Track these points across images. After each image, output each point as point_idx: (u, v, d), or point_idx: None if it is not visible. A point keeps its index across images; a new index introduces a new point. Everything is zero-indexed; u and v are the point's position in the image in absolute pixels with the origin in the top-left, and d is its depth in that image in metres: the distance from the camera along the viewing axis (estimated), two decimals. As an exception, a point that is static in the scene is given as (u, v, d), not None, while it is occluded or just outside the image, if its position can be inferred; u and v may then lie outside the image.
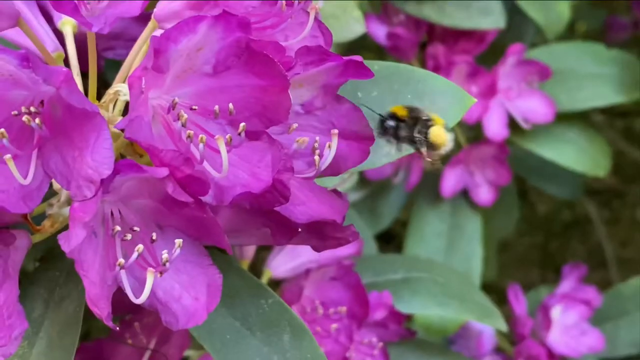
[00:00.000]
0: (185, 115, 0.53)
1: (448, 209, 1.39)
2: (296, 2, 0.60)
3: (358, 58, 0.60)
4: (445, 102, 0.68)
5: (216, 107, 0.55)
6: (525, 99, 1.32)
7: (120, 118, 0.63)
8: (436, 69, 1.31)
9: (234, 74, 0.56)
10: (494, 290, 2.14)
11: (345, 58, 0.60)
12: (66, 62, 0.67)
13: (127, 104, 0.63)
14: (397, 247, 1.64)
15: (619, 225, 2.87)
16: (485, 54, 1.37)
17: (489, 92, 1.28)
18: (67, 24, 0.67)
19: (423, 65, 1.36)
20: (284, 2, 0.60)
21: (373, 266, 1.02)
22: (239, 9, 0.57)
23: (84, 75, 0.67)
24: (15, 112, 0.53)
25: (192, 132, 0.53)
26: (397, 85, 0.69)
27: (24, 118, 0.51)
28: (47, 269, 0.68)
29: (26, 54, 0.49)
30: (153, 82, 0.54)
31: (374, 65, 0.69)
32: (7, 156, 0.50)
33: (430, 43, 1.35)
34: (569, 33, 2.06)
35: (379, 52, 1.50)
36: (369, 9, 1.36)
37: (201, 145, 0.53)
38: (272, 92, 0.56)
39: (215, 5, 0.58)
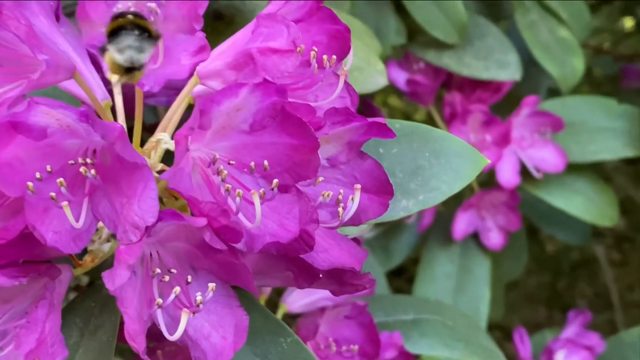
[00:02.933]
0: (225, 172, 0.58)
1: (458, 251, 1.43)
2: (328, 66, 0.66)
3: (381, 120, 0.65)
4: (460, 162, 0.73)
5: (252, 164, 0.60)
6: (538, 148, 1.37)
7: (160, 164, 0.68)
8: (452, 116, 1.36)
9: (269, 133, 0.61)
10: (501, 328, 2.17)
11: (369, 120, 0.65)
12: (113, 109, 0.72)
13: (167, 151, 0.69)
14: (407, 281, 1.68)
15: (627, 269, 2.89)
16: (500, 102, 1.43)
17: (503, 140, 1.32)
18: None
19: (440, 111, 1.41)
20: (316, 65, 0.66)
21: (384, 306, 1.06)
22: (275, 73, 0.62)
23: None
24: (72, 162, 0.58)
25: (230, 186, 0.58)
26: (416, 144, 0.74)
27: (82, 169, 0.57)
28: (84, 299, 0.73)
29: (86, 111, 0.54)
30: (195, 136, 0.59)
31: (395, 123, 0.74)
32: (64, 203, 0.55)
33: (447, 90, 1.41)
34: (585, 79, 2.12)
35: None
36: (391, 54, 1.41)
37: (238, 199, 0.58)
38: (303, 151, 0.61)
39: (254, 68, 0.63)
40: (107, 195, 0.59)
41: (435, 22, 1.33)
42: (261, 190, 0.59)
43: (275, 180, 0.60)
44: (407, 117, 2.39)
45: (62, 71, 0.63)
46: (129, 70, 0.62)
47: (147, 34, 0.60)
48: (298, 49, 0.63)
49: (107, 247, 0.70)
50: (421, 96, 1.38)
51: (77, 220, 0.57)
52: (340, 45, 0.68)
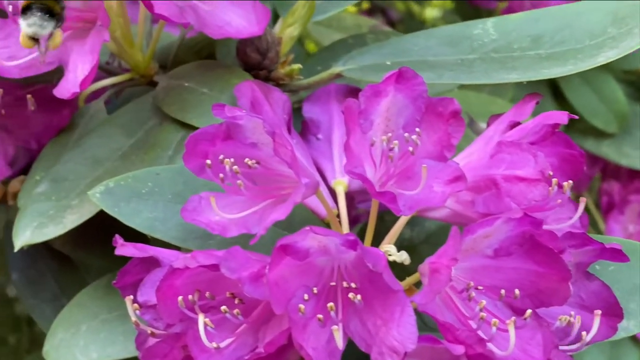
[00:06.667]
0: (484, 302, 0.59)
1: (609, 341, 1.39)
2: (568, 192, 0.67)
3: (617, 246, 0.66)
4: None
5: (503, 291, 0.61)
6: (698, 242, 1.33)
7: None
8: (610, 205, 1.35)
9: (513, 259, 0.62)
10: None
11: (606, 245, 0.65)
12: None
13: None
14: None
15: None
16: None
17: (663, 233, 1.30)
18: (340, 185, 0.76)
19: (596, 200, 1.40)
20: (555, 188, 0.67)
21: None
22: (522, 200, 0.64)
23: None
24: (333, 283, 0.61)
25: (485, 315, 0.59)
26: (634, 262, 0.73)
27: (350, 295, 0.59)
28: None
29: (355, 240, 0.57)
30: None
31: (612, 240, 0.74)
32: (334, 327, 0.58)
33: (603, 179, 1.40)
34: None
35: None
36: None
37: (494, 329, 0.59)
38: (550, 279, 0.61)
39: (497, 193, 0.65)
40: (357, 313, 0.61)
41: (594, 111, 1.33)
42: (512, 319, 0.60)
43: (529, 311, 0.61)
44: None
45: (311, 189, 0.66)
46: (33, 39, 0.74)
47: (49, 14, 0.74)
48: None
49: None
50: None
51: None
52: (573, 168, 0.70)
